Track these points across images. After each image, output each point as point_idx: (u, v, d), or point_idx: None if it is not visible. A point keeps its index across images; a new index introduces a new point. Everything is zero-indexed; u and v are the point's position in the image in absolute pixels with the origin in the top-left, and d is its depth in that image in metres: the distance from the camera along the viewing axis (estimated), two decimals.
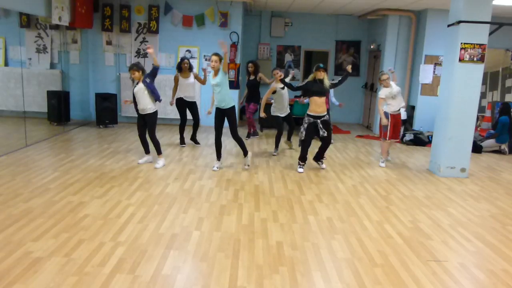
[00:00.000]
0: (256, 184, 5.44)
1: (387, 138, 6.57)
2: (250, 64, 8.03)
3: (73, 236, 3.63)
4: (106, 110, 8.83)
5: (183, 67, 7.11)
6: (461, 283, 3.18)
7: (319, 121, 5.94)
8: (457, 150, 6.24)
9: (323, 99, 5.92)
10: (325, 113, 6.00)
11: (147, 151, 6.13)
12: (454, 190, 5.66)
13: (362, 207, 4.76)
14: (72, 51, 9.25)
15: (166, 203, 4.58)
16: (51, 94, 8.67)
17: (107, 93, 9.00)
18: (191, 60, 9.25)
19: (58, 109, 8.64)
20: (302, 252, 3.56)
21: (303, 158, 6.14)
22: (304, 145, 6.04)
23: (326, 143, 6.13)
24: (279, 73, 6.71)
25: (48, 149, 6.78)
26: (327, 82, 5.95)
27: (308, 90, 6.01)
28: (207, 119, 8.50)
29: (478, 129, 9.47)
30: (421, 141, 8.66)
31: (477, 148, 8.08)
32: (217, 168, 5.98)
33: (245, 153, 6.08)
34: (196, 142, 7.60)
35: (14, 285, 2.83)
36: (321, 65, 5.93)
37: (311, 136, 6.03)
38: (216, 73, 5.70)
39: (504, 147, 8.31)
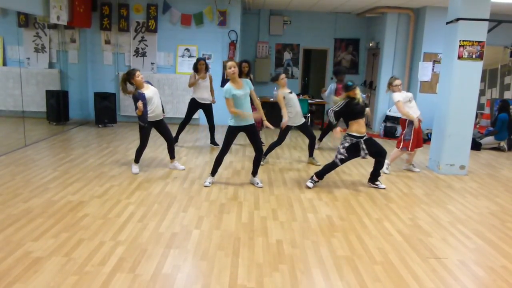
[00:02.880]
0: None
1: (409, 149, 6.04)
2: (245, 64, 7.26)
3: (73, 235, 3.63)
4: (105, 110, 8.82)
5: (199, 68, 6.94)
6: (461, 280, 3.18)
7: (362, 140, 5.16)
8: (456, 148, 6.25)
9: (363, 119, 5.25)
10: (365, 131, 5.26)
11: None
12: (453, 188, 5.66)
13: (361, 205, 4.77)
14: (70, 51, 9.23)
15: (165, 202, 4.58)
16: (49, 94, 8.66)
17: (106, 93, 8.99)
18: (190, 59, 9.29)
19: (57, 108, 8.63)
20: (302, 250, 3.56)
21: (321, 176, 5.37)
22: (334, 166, 5.28)
23: (379, 158, 5.36)
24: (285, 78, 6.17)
25: (47, 148, 6.78)
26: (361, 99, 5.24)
27: (351, 113, 5.16)
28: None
29: (477, 126, 9.48)
30: None
31: (476, 146, 8.09)
32: (210, 183, 5.23)
33: (256, 173, 5.37)
34: (216, 144, 7.36)
35: (14, 285, 2.83)
36: (350, 82, 5.15)
37: (349, 158, 5.23)
38: (235, 82, 4.96)
39: (503, 144, 8.32)
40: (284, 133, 6.22)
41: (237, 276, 3.08)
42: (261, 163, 6.19)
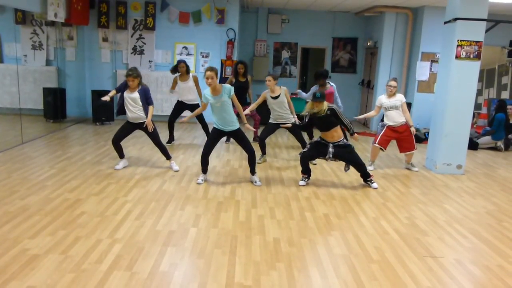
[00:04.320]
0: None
1: (375, 142, 6.21)
2: (240, 65, 7.36)
3: (70, 233, 3.62)
4: (103, 107, 8.78)
5: (180, 71, 6.98)
6: (457, 279, 3.20)
7: (331, 144, 5.20)
8: (453, 147, 6.26)
9: (331, 131, 5.19)
10: (340, 138, 5.23)
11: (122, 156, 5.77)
12: (450, 187, 5.68)
13: (358, 204, 4.78)
14: (68, 48, 9.20)
15: (163, 200, 4.58)
16: (47, 91, 8.62)
17: (104, 90, 8.94)
18: (188, 57, 9.28)
19: (54, 106, 8.60)
20: (299, 248, 3.57)
21: (305, 171, 5.40)
22: (303, 160, 5.32)
23: (357, 168, 5.35)
24: (272, 81, 6.18)
25: (44, 146, 6.76)
26: (323, 112, 5.10)
27: (315, 125, 5.29)
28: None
29: (474, 126, 9.50)
30: (418, 138, 8.65)
31: (473, 145, 8.11)
32: (202, 181, 5.25)
33: (253, 171, 5.36)
34: None
35: (11, 282, 2.83)
36: (318, 94, 5.06)
37: (313, 153, 5.33)
38: (215, 90, 4.97)
39: (500, 144, 8.35)
40: (266, 128, 6.41)
41: (234, 275, 3.09)
42: (259, 160, 6.30)
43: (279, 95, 6.20)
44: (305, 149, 5.39)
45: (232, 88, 5.09)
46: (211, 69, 4.93)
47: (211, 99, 5.00)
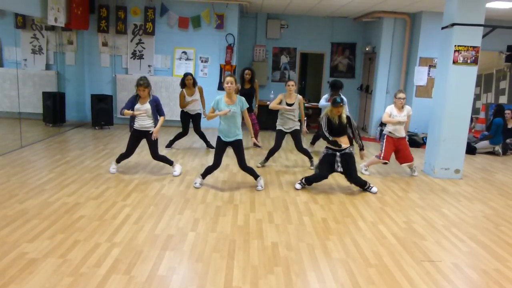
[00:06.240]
0: (252, 185, 5.45)
1: (381, 157, 6.14)
2: (247, 71, 7.32)
3: (68, 237, 3.63)
4: (102, 112, 8.82)
5: (186, 83, 6.94)
6: (454, 283, 3.21)
7: (338, 154, 5.19)
8: (451, 152, 6.29)
9: (344, 136, 5.23)
10: (347, 145, 5.22)
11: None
12: (448, 191, 5.70)
13: (356, 208, 4.79)
14: (67, 52, 9.24)
15: (161, 204, 4.59)
16: (46, 95, 8.65)
17: (103, 95, 9.00)
18: (187, 62, 9.32)
19: (54, 110, 8.62)
20: (297, 252, 3.58)
21: (309, 182, 5.42)
22: (317, 178, 5.37)
23: (352, 181, 5.34)
24: (294, 86, 6.20)
25: (43, 150, 6.77)
26: (344, 119, 5.22)
27: (330, 129, 5.21)
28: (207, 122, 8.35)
29: (472, 130, 9.54)
30: (416, 142, 8.71)
31: (471, 150, 8.14)
32: (200, 185, 5.28)
33: (256, 177, 5.39)
34: (212, 147, 7.20)
35: (9, 286, 2.83)
36: (338, 99, 5.09)
37: (326, 171, 5.28)
38: (230, 97, 5.03)
39: (498, 148, 8.37)
40: (277, 137, 6.33)
41: (232, 278, 3.10)
42: (258, 164, 6.42)
43: (293, 103, 6.20)
44: (317, 171, 5.37)
45: (246, 102, 5.13)
46: (230, 75, 5.06)
47: (224, 107, 4.98)
